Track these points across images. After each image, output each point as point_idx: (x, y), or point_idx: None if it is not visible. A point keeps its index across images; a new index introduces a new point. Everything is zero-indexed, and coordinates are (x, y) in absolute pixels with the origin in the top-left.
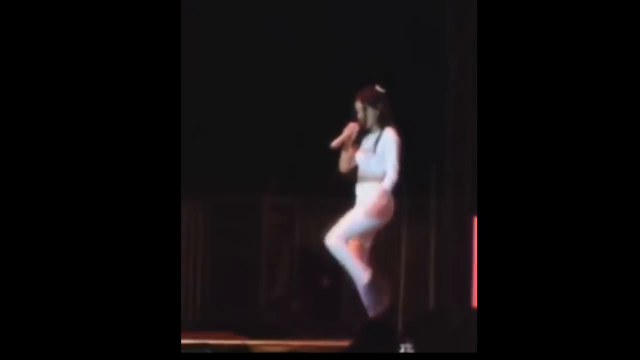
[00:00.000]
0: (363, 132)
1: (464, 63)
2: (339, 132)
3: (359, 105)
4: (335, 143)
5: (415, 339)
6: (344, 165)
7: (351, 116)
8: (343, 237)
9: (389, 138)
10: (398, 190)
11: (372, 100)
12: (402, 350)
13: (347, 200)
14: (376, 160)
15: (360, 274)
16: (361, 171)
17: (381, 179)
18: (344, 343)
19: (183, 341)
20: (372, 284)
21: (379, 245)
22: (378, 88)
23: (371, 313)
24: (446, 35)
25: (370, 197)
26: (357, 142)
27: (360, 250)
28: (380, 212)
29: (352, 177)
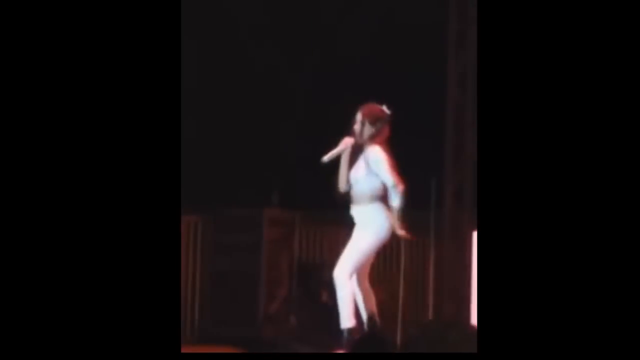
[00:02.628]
0: (358, 148)
1: (464, 77)
2: (336, 147)
3: (359, 117)
4: (327, 157)
5: (413, 353)
6: (342, 185)
7: (348, 132)
8: (350, 273)
9: (374, 155)
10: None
11: (373, 118)
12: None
13: (347, 214)
14: (365, 179)
15: (345, 319)
16: (353, 192)
17: (372, 197)
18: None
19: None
20: (351, 331)
21: (379, 259)
22: (384, 108)
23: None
24: (446, 49)
25: (369, 220)
26: (353, 159)
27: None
28: (384, 235)
29: (350, 196)
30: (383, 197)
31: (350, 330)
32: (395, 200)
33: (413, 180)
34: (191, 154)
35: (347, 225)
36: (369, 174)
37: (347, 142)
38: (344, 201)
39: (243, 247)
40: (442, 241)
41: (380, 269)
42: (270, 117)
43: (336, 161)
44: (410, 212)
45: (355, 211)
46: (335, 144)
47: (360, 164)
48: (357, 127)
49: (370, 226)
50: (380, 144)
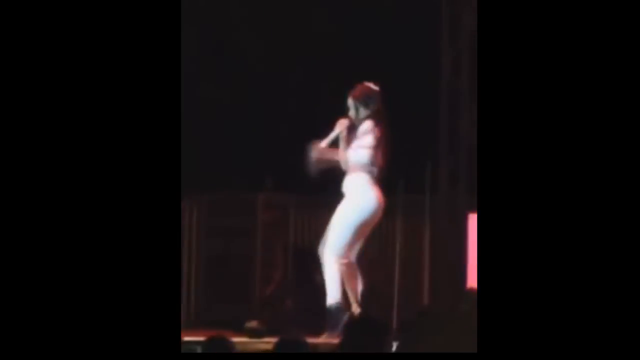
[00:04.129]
0: (354, 128)
1: (459, 60)
2: (331, 130)
3: (350, 102)
4: (325, 141)
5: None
6: (344, 165)
7: (344, 114)
8: (337, 249)
9: (363, 127)
10: (393, 187)
11: (364, 98)
12: (393, 348)
13: (341, 197)
14: (353, 150)
15: (334, 294)
16: (350, 163)
17: (357, 167)
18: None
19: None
20: (337, 307)
21: (374, 242)
22: (371, 86)
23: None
24: (441, 32)
25: (352, 189)
26: (349, 139)
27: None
28: (369, 205)
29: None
30: (369, 169)
31: (335, 308)
32: (351, 152)
33: (408, 164)
34: (185, 139)
35: None
36: (356, 145)
37: (342, 124)
38: (340, 184)
39: (238, 231)
40: (438, 224)
41: (376, 252)
42: (265, 100)
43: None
44: (405, 196)
45: (346, 180)
46: (330, 127)
47: (357, 137)
48: (351, 112)
49: (354, 196)
50: (377, 121)
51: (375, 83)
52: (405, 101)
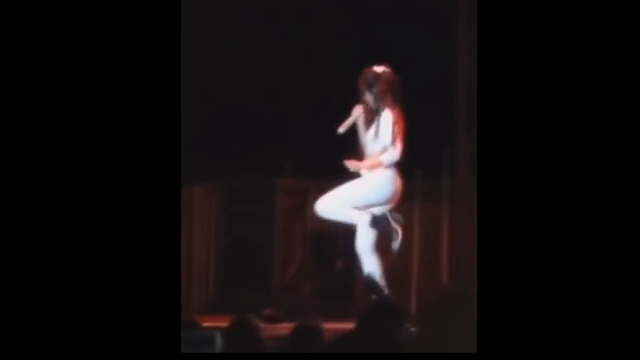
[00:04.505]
0: (372, 113)
1: (475, 45)
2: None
3: (359, 87)
4: (342, 128)
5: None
6: (364, 150)
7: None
8: (332, 203)
9: (384, 118)
10: (411, 172)
11: (370, 82)
12: (411, 330)
13: None
14: (376, 141)
15: (358, 218)
16: (366, 153)
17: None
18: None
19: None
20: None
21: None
22: (376, 68)
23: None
24: (457, 17)
25: (375, 179)
26: (368, 123)
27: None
28: (386, 196)
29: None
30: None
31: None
32: (384, 157)
33: (425, 149)
34: (205, 124)
35: None
36: (376, 136)
37: (357, 110)
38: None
39: (257, 217)
40: (456, 208)
41: (385, 237)
42: (285, 86)
43: (347, 131)
44: (423, 181)
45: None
46: (348, 112)
47: (372, 127)
48: (364, 96)
49: (375, 183)
50: (392, 105)
51: (385, 65)
52: (422, 85)
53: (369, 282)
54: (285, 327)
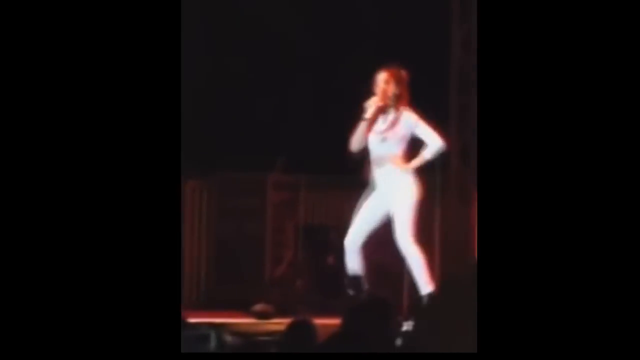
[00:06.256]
0: (381, 111)
1: (468, 38)
2: (341, 111)
3: (383, 77)
4: (369, 114)
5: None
6: (358, 144)
7: (356, 93)
8: (412, 235)
9: (412, 118)
10: None
11: (397, 78)
12: (404, 328)
13: (351, 178)
14: (392, 142)
15: (425, 283)
16: (376, 154)
17: (397, 160)
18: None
19: (188, 320)
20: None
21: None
22: (398, 69)
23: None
24: (452, 9)
25: (403, 182)
26: (373, 121)
27: None
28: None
29: (359, 156)
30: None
31: (430, 295)
32: (429, 154)
33: (419, 141)
34: (197, 118)
35: (352, 190)
36: (403, 138)
37: (375, 101)
38: (351, 165)
39: (248, 212)
40: (448, 201)
41: (386, 233)
42: (276, 81)
43: (337, 126)
44: (416, 173)
45: (381, 173)
46: (341, 106)
47: (383, 127)
48: (381, 87)
49: (407, 189)
50: (404, 107)
51: (400, 67)
52: (416, 79)
53: (352, 279)
54: (277, 323)
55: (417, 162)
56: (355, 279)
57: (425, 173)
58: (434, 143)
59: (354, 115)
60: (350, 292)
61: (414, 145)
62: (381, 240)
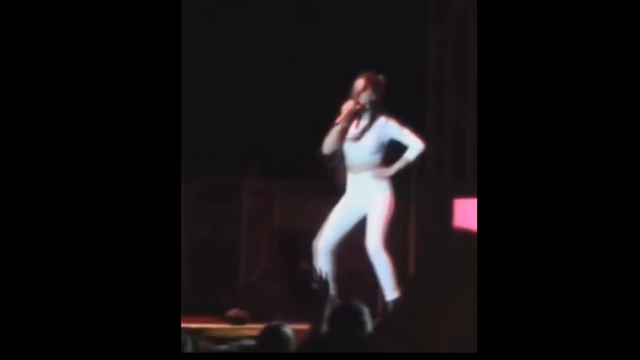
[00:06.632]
0: (356, 116)
1: (444, 42)
2: (317, 115)
3: (361, 83)
4: (340, 119)
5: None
6: (331, 146)
7: (329, 99)
8: (382, 242)
9: (389, 123)
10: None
11: (375, 84)
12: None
13: (326, 183)
14: (368, 148)
15: (391, 290)
16: (351, 160)
17: (374, 166)
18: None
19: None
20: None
21: (357, 228)
22: (376, 75)
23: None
24: (427, 13)
25: (379, 188)
26: (348, 125)
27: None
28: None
29: (332, 160)
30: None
31: (396, 301)
32: (411, 154)
33: (393, 147)
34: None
35: (327, 194)
36: (379, 144)
37: (350, 105)
38: (326, 171)
39: (223, 216)
40: (423, 206)
41: (360, 239)
42: (250, 85)
43: (314, 131)
44: (391, 179)
45: (355, 179)
46: (313, 110)
47: (358, 132)
48: (360, 92)
49: (381, 195)
50: (381, 113)
51: (377, 73)
52: (391, 85)
53: (319, 282)
54: (251, 328)
55: (398, 165)
56: (323, 282)
57: (400, 179)
58: (414, 145)
59: (330, 119)
60: (318, 295)
61: (390, 152)
62: (358, 245)
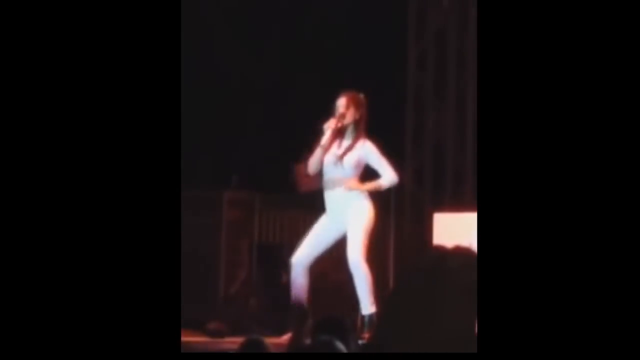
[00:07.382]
0: (338, 135)
1: (424, 57)
2: (297, 131)
3: (342, 102)
4: (324, 141)
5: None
6: (315, 167)
7: (310, 116)
8: (364, 255)
9: (370, 148)
10: None
11: (357, 103)
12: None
13: (307, 196)
14: (346, 167)
15: (369, 304)
16: (328, 176)
17: (350, 181)
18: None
19: None
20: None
21: (339, 242)
22: (358, 94)
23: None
24: (407, 29)
25: (360, 206)
26: (330, 143)
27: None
28: (373, 220)
29: (316, 181)
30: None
31: (373, 316)
32: (385, 180)
33: (369, 168)
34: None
35: (307, 208)
36: (358, 164)
37: (333, 124)
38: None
39: (202, 229)
40: (402, 221)
41: (341, 252)
42: (232, 99)
43: (294, 145)
44: (370, 192)
45: (332, 196)
46: (295, 124)
47: (344, 151)
48: (341, 112)
49: (360, 210)
50: (362, 132)
51: (359, 91)
52: (371, 100)
53: (295, 298)
54: (230, 341)
55: (371, 186)
56: (298, 298)
57: (379, 193)
58: (389, 177)
59: (310, 134)
60: (294, 310)
61: (368, 172)
62: (340, 259)
